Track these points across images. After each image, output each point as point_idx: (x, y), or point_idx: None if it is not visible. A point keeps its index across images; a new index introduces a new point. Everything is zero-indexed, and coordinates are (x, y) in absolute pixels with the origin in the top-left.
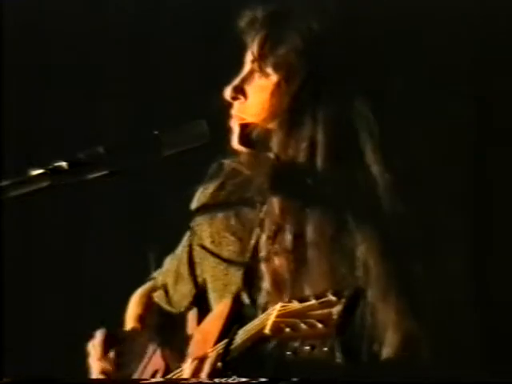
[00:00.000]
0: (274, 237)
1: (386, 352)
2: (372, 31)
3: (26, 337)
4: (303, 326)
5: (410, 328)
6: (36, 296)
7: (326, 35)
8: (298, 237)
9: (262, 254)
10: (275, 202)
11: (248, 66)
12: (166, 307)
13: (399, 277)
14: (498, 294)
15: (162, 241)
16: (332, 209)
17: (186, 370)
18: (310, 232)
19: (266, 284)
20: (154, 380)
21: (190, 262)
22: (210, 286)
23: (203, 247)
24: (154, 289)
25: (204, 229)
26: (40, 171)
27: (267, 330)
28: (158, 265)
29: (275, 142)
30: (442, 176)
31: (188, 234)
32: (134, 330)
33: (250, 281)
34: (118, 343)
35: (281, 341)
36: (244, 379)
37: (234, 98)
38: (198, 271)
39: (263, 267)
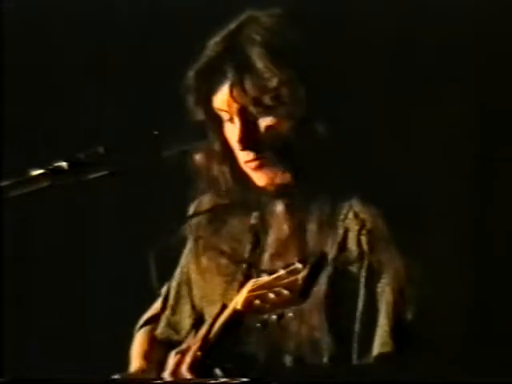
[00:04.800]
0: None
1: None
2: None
3: (26, 337)
4: (271, 295)
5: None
6: (36, 296)
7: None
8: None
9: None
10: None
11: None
12: (169, 334)
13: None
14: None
15: (162, 241)
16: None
17: (170, 363)
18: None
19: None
20: (152, 380)
21: (188, 281)
22: (206, 309)
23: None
24: (155, 326)
25: (211, 236)
26: (40, 171)
27: (239, 306)
28: (158, 265)
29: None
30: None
31: (190, 242)
32: (140, 369)
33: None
34: None
35: (251, 314)
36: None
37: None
38: (195, 291)
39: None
